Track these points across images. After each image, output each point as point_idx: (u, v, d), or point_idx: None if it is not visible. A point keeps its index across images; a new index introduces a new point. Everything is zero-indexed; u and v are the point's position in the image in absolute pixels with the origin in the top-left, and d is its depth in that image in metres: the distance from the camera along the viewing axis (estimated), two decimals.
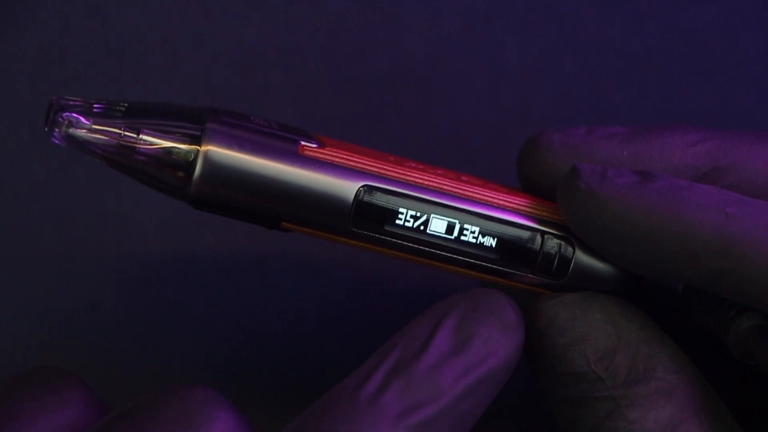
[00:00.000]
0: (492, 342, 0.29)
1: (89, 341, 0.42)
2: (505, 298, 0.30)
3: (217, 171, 0.30)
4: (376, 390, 0.27)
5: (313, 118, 0.44)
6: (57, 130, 0.29)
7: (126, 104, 0.30)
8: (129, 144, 0.30)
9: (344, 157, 0.31)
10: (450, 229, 0.31)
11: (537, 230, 0.32)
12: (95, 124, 0.29)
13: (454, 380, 0.28)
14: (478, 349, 0.28)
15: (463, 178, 0.32)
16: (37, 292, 0.42)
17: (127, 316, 0.42)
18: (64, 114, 0.29)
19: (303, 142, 0.31)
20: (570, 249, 0.32)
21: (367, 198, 0.31)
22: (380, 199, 0.31)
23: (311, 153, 0.30)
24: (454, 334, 0.28)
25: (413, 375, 0.28)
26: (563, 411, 0.30)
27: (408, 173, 0.31)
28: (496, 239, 0.31)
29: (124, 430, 0.27)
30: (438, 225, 0.31)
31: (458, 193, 0.31)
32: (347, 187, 0.30)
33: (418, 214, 0.31)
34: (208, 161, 0.30)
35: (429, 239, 0.31)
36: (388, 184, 0.31)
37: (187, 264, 0.42)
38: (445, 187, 0.31)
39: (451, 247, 0.31)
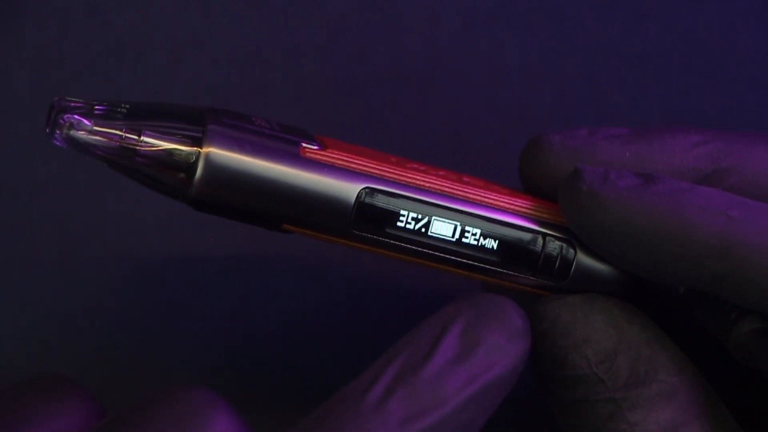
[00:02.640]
0: (498, 350, 0.28)
1: (89, 341, 0.42)
2: (511, 304, 0.29)
3: (218, 173, 0.30)
4: (380, 396, 0.27)
5: (313, 118, 0.44)
6: (58, 131, 0.29)
7: (127, 105, 0.30)
8: (130, 146, 0.29)
9: (345, 158, 0.31)
10: (451, 231, 0.31)
11: (538, 232, 0.32)
12: (96, 126, 0.29)
13: (458, 388, 0.28)
14: (484, 357, 0.28)
15: (465, 179, 0.32)
16: (37, 292, 0.42)
17: (127, 317, 0.42)
18: (66, 116, 0.29)
19: (304, 144, 0.31)
20: (571, 251, 0.32)
21: (368, 200, 0.31)
22: (382, 202, 0.31)
23: (312, 155, 0.30)
24: (460, 341, 0.28)
25: (418, 382, 0.28)
26: (564, 413, 0.30)
27: (409, 175, 0.31)
28: (497, 241, 0.31)
29: None
30: (439, 227, 0.31)
31: (460, 195, 0.31)
32: (348, 190, 0.30)
33: (420, 217, 0.31)
34: (210, 163, 0.30)
35: (430, 241, 0.31)
36: (389, 187, 0.31)
37: (187, 264, 0.42)
38: (446, 189, 0.31)
39: (452, 250, 0.31)
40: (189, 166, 0.30)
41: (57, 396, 0.29)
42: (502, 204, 0.32)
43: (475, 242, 0.31)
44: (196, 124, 0.30)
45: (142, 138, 0.29)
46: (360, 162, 0.31)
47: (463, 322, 0.29)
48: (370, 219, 0.31)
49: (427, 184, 0.31)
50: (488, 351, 0.28)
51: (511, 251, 0.32)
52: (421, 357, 0.28)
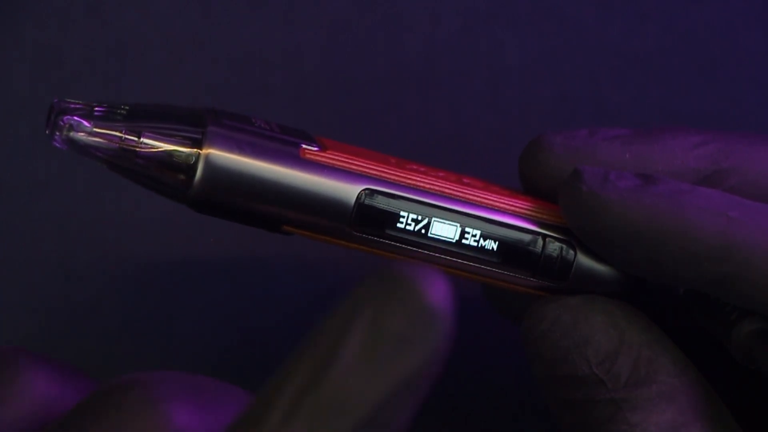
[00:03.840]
0: (407, 341, 0.23)
1: (89, 341, 0.42)
2: (425, 279, 0.23)
3: (217, 174, 0.30)
4: (282, 416, 0.22)
5: (313, 118, 0.44)
6: (58, 133, 0.29)
7: (127, 107, 0.30)
8: (130, 147, 0.29)
9: (345, 160, 0.31)
10: (451, 232, 0.31)
11: (538, 233, 0.32)
12: (96, 127, 0.29)
13: (368, 392, 0.23)
14: (392, 351, 0.23)
15: (465, 180, 0.32)
16: (37, 292, 0.42)
17: (127, 316, 0.42)
18: (65, 117, 0.29)
19: (304, 145, 0.31)
20: (571, 252, 0.32)
21: (368, 201, 0.31)
22: (381, 203, 0.31)
23: (312, 156, 0.30)
24: (364, 337, 0.23)
25: (321, 393, 0.22)
26: (564, 414, 0.30)
27: (409, 176, 0.31)
28: (497, 242, 0.31)
29: None
30: (439, 228, 0.31)
31: (460, 196, 0.31)
32: (348, 191, 0.30)
33: (420, 218, 0.31)
34: (209, 164, 0.30)
35: (430, 243, 0.31)
36: (389, 188, 0.31)
37: (187, 264, 0.42)
38: (446, 190, 0.31)
39: (452, 251, 0.31)
40: (189, 167, 0.30)
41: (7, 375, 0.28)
42: (502, 205, 0.32)
43: (475, 243, 0.31)
44: (195, 126, 0.30)
45: (141, 139, 0.29)
46: (360, 163, 0.31)
47: (366, 315, 0.23)
48: (370, 220, 0.31)
49: (427, 186, 0.31)
50: (399, 342, 0.23)
51: (511, 252, 0.32)
52: (324, 363, 0.23)
